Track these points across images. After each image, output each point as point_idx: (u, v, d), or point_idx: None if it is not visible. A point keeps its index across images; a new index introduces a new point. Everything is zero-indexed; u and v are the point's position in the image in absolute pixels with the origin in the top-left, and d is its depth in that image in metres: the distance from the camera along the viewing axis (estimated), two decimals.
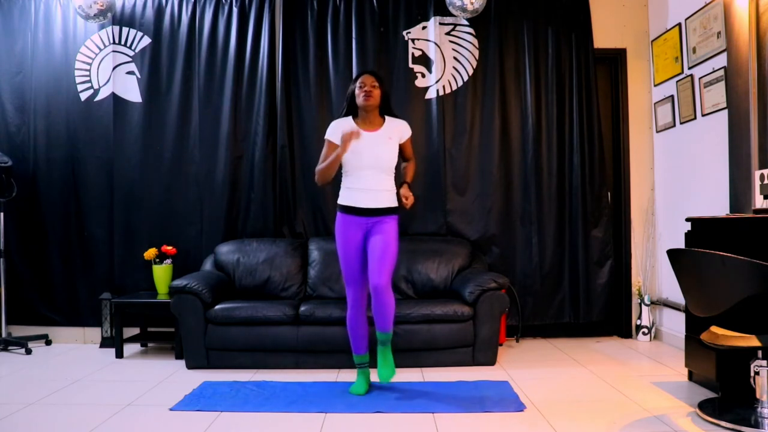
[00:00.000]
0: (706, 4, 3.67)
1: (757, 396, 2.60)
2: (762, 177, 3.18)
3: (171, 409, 2.90)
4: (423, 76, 4.43)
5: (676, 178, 4.18)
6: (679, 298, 3.90)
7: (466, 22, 4.41)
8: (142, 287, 4.39)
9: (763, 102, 3.22)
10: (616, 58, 4.54)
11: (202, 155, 4.41)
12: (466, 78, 4.41)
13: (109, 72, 4.45)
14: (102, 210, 4.43)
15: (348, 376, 3.44)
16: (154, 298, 4.10)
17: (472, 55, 4.42)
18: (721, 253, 2.41)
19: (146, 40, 4.46)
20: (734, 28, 3.38)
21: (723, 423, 2.56)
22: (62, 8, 4.49)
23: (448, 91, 4.41)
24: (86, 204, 4.45)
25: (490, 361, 3.67)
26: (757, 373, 2.59)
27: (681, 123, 4.06)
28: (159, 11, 4.46)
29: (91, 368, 3.73)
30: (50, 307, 4.46)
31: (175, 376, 3.52)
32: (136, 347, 4.31)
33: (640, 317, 4.39)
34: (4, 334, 4.25)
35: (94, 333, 4.46)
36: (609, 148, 4.56)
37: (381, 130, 3.11)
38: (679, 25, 4.01)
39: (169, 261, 4.23)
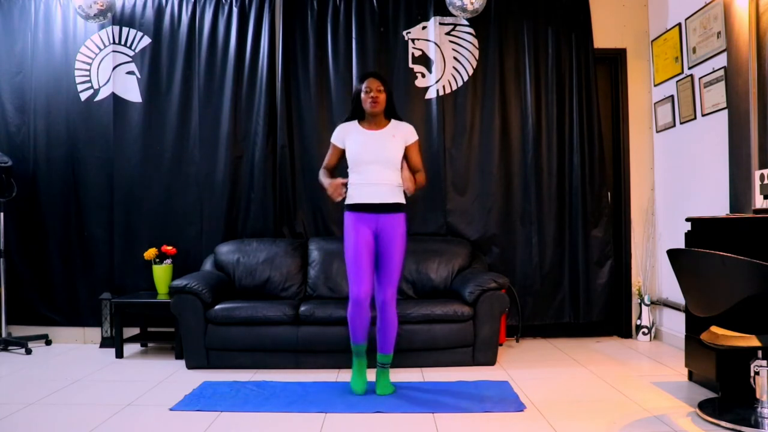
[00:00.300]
0: (706, 4, 3.67)
1: (757, 396, 2.60)
2: (762, 177, 3.18)
3: (171, 409, 2.90)
4: (423, 76, 4.43)
5: (676, 178, 4.18)
6: (679, 298, 3.90)
7: (466, 22, 4.41)
8: (142, 287, 4.39)
9: (763, 102, 3.22)
10: (616, 58, 4.54)
11: (202, 155, 4.42)
12: (466, 78, 4.41)
13: (109, 72, 4.45)
14: (102, 210, 4.43)
15: (348, 376, 3.43)
16: (154, 298, 4.10)
17: (472, 55, 4.42)
18: (721, 253, 2.40)
19: (146, 40, 4.46)
20: (734, 28, 3.38)
21: (723, 423, 2.56)
22: (62, 8, 4.49)
23: (448, 91, 4.41)
24: (86, 204, 4.45)
25: (490, 361, 3.68)
26: (757, 373, 2.59)
27: (681, 123, 4.06)
28: (159, 11, 4.46)
29: (91, 368, 3.73)
30: (50, 307, 4.46)
31: (175, 376, 3.52)
32: (136, 347, 4.31)
33: (640, 317, 4.39)
34: (4, 334, 4.25)
35: (94, 333, 4.46)
36: (609, 148, 4.57)
37: (385, 129, 3.18)
38: (679, 25, 4.01)
39: (169, 261, 4.23)
